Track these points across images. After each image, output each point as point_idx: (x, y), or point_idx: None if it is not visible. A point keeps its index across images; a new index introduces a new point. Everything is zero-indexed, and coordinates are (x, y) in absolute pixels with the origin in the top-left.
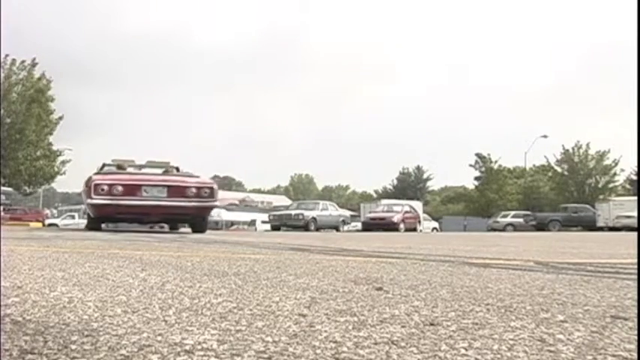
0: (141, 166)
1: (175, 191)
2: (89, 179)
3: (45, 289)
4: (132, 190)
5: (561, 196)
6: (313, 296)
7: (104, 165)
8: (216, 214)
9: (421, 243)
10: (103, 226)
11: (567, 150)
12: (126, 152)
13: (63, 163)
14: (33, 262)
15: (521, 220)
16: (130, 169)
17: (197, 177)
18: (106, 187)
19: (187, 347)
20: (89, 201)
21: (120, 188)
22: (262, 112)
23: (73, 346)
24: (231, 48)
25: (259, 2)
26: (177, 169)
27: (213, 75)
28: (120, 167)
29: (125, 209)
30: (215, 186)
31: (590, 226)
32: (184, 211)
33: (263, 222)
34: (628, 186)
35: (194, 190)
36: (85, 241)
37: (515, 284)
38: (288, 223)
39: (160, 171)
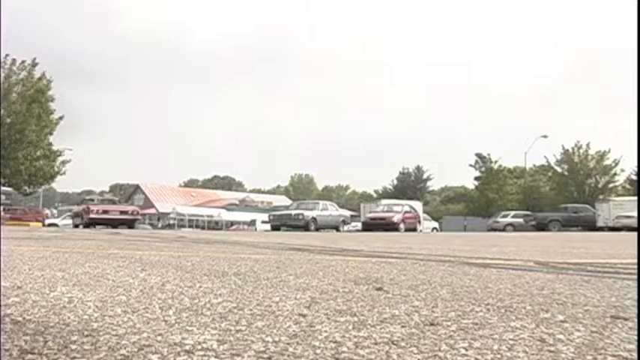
0: (103, 199)
1: (121, 212)
2: (87, 207)
3: (45, 289)
4: (104, 212)
5: (561, 196)
6: (313, 296)
7: (84, 199)
8: (217, 214)
9: (421, 243)
10: (92, 227)
11: (567, 150)
12: (126, 153)
13: (63, 163)
14: (33, 262)
15: (521, 220)
16: (102, 200)
17: (131, 206)
18: (94, 209)
19: (187, 347)
20: (86, 215)
21: (100, 210)
22: (262, 112)
23: (73, 346)
24: (232, 48)
25: (259, 2)
26: (120, 200)
27: (213, 75)
28: (92, 200)
29: (101, 220)
30: (138, 210)
31: (590, 226)
32: (125, 221)
33: (263, 222)
34: (628, 186)
35: (129, 212)
36: (85, 241)
37: (515, 284)
38: (288, 223)
39: (118, 201)
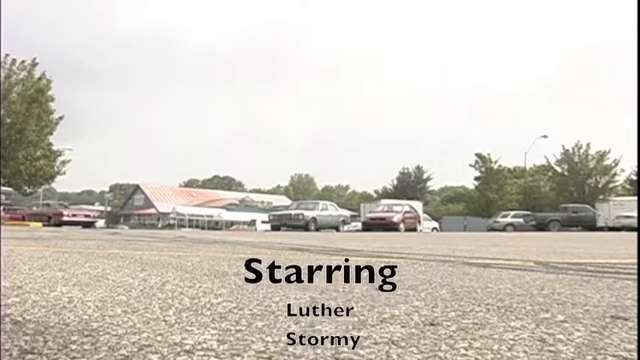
0: (60, 203)
1: (86, 215)
2: (61, 211)
3: (45, 289)
4: (73, 215)
5: (561, 196)
6: (313, 296)
7: (42, 204)
8: (217, 214)
9: (421, 243)
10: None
11: (567, 150)
12: (126, 153)
13: (63, 163)
14: (33, 262)
15: (521, 220)
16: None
17: (93, 210)
18: (66, 213)
19: (187, 347)
20: (59, 217)
21: (71, 214)
22: (262, 112)
23: (73, 346)
24: (231, 47)
25: (259, 2)
26: (69, 206)
27: (213, 75)
28: (49, 205)
29: (70, 221)
30: (97, 214)
31: (590, 226)
32: (88, 222)
33: (263, 222)
34: (628, 186)
35: (91, 215)
36: (85, 241)
37: (515, 284)
38: (288, 223)
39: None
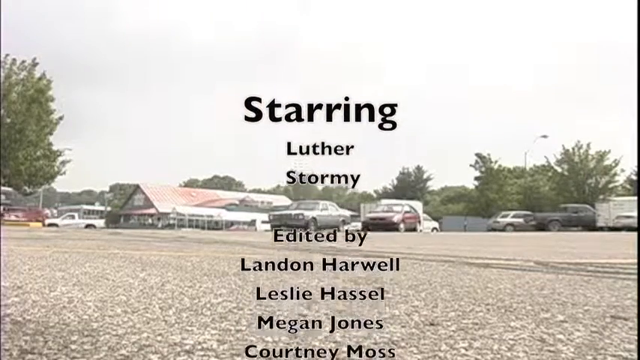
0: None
1: (16, 215)
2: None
3: (45, 289)
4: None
5: (561, 196)
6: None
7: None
8: (217, 214)
9: (421, 243)
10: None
11: (567, 150)
12: (126, 153)
13: (63, 163)
14: (33, 262)
15: (521, 220)
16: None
17: (45, 212)
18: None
19: (187, 347)
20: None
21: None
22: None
23: (73, 346)
24: (231, 47)
25: (259, 2)
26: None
27: (212, 74)
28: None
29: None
30: (47, 213)
31: (590, 226)
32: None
33: (263, 222)
34: (628, 186)
35: (21, 214)
36: (85, 241)
37: (515, 284)
38: (288, 223)
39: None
